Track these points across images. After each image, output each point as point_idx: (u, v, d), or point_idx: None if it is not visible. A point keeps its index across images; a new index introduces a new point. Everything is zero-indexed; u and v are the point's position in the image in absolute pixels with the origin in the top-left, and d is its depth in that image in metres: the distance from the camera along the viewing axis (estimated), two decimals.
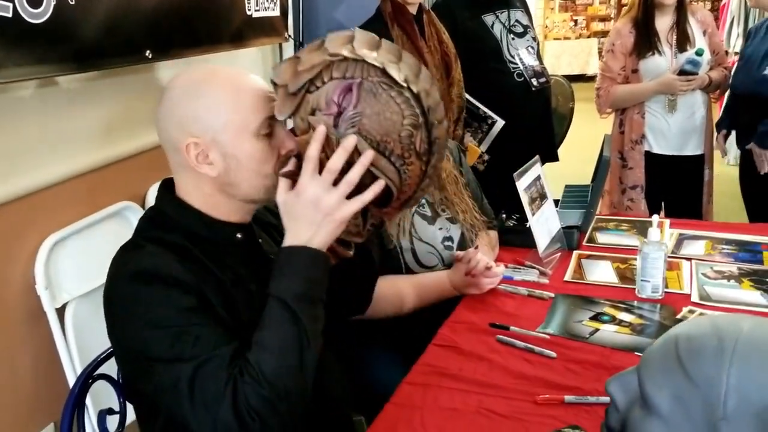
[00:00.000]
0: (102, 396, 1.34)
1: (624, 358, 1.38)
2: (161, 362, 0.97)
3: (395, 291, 1.65)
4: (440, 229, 1.82)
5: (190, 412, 0.95)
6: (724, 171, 3.34)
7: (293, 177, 1.03)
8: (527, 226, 1.88)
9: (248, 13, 2.58)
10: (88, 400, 1.28)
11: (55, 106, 1.77)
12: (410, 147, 1.02)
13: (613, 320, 1.57)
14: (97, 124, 1.92)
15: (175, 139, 1.06)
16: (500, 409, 1.24)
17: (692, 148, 2.92)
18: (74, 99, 1.83)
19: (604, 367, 1.35)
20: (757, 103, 2.66)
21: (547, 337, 1.48)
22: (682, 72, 2.77)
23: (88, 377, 1.26)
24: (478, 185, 2.02)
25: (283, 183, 1.04)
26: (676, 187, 2.97)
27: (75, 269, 1.77)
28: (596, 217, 2.26)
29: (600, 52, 3.85)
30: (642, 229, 2.07)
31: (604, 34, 10.96)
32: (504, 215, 2.13)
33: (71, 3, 1.62)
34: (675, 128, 2.88)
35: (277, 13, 2.84)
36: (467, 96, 2.56)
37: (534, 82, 2.69)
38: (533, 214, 1.85)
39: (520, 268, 1.87)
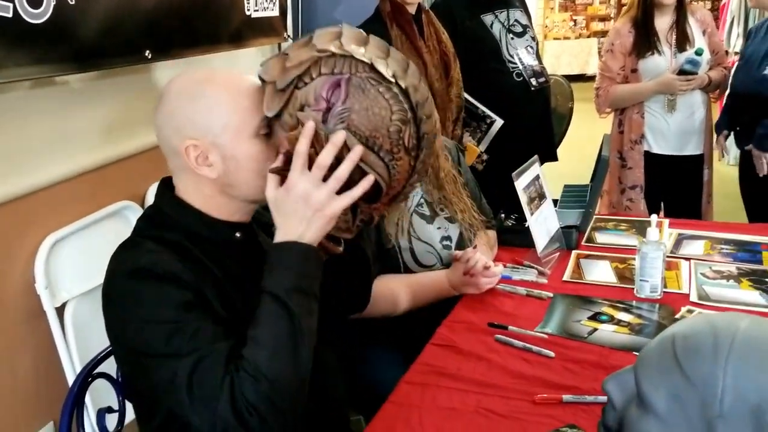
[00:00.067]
0: (101, 394, 1.34)
1: (622, 358, 1.38)
2: (159, 358, 0.97)
3: (389, 291, 1.66)
4: (439, 228, 1.82)
5: (189, 407, 0.95)
6: (724, 171, 3.35)
7: (282, 173, 1.03)
8: (526, 225, 1.88)
9: (247, 13, 2.58)
10: (87, 399, 1.28)
11: (55, 106, 1.77)
12: (399, 142, 1.02)
13: (612, 320, 1.57)
14: (96, 123, 1.93)
15: (175, 142, 1.06)
16: (498, 409, 1.25)
17: (692, 148, 2.92)
18: (74, 99, 1.83)
19: (603, 366, 1.35)
20: (757, 102, 2.66)
21: (546, 336, 1.48)
22: (681, 72, 2.77)
23: (87, 376, 1.26)
24: (476, 185, 2.03)
25: (272, 179, 1.04)
26: (675, 187, 2.97)
27: (75, 268, 1.78)
28: (595, 216, 2.26)
29: (600, 52, 3.85)
30: (641, 229, 2.07)
31: (603, 33, 10.95)
32: (503, 215, 2.14)
33: (71, 3, 1.62)
34: (674, 128, 2.88)
35: (276, 13, 2.84)
36: (466, 95, 2.57)
37: (533, 81, 2.69)
38: (532, 214, 1.85)
39: (518, 268, 1.87)
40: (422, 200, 1.81)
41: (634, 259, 1.72)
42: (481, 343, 1.49)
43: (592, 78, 3.57)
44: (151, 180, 2.07)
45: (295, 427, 1.00)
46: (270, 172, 1.04)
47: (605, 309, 1.62)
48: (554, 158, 2.90)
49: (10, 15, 1.45)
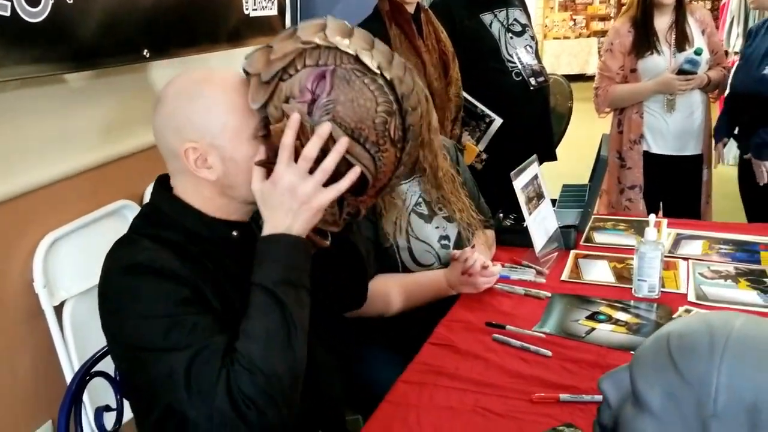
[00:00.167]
0: (99, 393, 1.34)
1: (620, 358, 1.38)
2: (157, 352, 0.97)
3: (383, 291, 1.65)
4: (437, 227, 1.82)
5: (187, 401, 0.95)
6: (723, 171, 3.34)
7: (268, 166, 1.03)
8: (524, 225, 1.88)
9: (246, 12, 2.57)
10: (85, 397, 1.28)
11: (53, 105, 1.77)
12: (385, 134, 1.02)
13: (610, 319, 1.57)
14: (95, 122, 1.92)
15: (173, 144, 1.06)
16: (496, 408, 1.25)
17: (691, 148, 2.92)
18: (72, 98, 1.83)
19: (600, 366, 1.35)
20: (757, 102, 2.66)
21: (543, 336, 1.48)
22: (680, 71, 2.77)
23: (85, 374, 1.26)
24: (475, 184, 2.03)
25: (258, 172, 1.04)
26: (674, 187, 2.97)
27: (73, 267, 1.78)
28: (594, 216, 2.27)
29: (599, 52, 3.84)
30: (640, 229, 2.07)
31: (603, 33, 10.94)
32: (501, 214, 2.14)
33: (69, 2, 1.62)
34: (673, 128, 2.88)
35: (274, 12, 2.83)
36: (465, 95, 2.57)
37: (532, 81, 2.69)
38: (530, 214, 1.85)
39: (516, 268, 1.87)
40: (420, 199, 1.81)
41: (632, 258, 1.72)
42: (479, 342, 1.49)
43: (591, 78, 3.57)
44: (150, 179, 2.05)
45: (291, 425, 1.00)
46: (255, 164, 1.04)
47: (603, 308, 1.63)
48: (553, 158, 2.90)
49: (8, 14, 1.45)
